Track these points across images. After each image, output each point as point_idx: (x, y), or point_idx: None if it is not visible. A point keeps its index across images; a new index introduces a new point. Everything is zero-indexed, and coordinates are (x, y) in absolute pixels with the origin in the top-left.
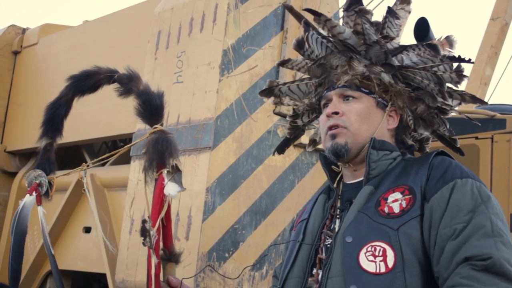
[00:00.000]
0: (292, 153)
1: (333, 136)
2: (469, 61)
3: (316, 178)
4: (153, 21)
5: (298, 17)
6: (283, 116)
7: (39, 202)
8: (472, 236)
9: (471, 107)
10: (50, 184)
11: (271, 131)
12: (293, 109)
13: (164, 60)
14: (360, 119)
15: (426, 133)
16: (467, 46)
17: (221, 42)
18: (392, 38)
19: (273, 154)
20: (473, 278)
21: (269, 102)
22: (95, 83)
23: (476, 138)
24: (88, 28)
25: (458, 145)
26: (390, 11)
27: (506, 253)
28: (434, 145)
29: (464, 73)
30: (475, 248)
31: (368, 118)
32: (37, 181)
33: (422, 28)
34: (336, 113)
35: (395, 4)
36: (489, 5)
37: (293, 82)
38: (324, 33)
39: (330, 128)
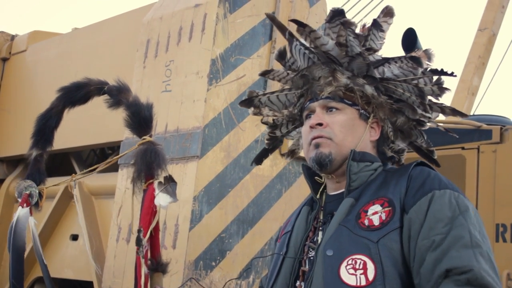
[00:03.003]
0: (279, 162)
1: (317, 145)
2: (451, 74)
3: (303, 187)
4: (142, 30)
5: (281, 28)
6: None
7: (29, 212)
8: (452, 248)
9: (457, 117)
10: (40, 194)
11: (258, 140)
12: (272, 120)
13: (153, 69)
14: (344, 130)
15: (402, 145)
16: (454, 57)
17: (209, 52)
18: (376, 51)
19: (251, 164)
20: None
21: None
22: (85, 94)
23: (463, 148)
24: (77, 35)
25: (435, 157)
26: (375, 24)
27: (485, 265)
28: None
29: (445, 86)
30: (455, 259)
31: (351, 129)
32: (27, 192)
33: (409, 38)
34: (320, 124)
35: (378, 17)
36: (477, 16)
37: (272, 93)
38: (307, 44)
39: (314, 138)
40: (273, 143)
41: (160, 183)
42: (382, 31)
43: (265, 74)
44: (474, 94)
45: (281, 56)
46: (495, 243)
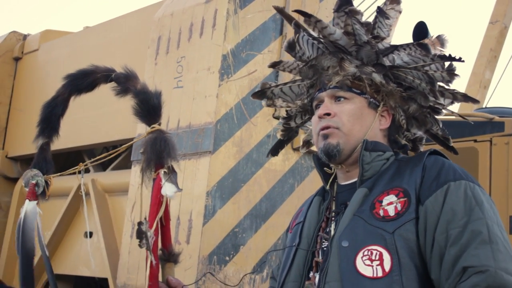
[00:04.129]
0: (291, 156)
1: (325, 136)
2: (459, 59)
3: (316, 181)
4: (153, 27)
5: (289, 18)
6: None
7: (37, 206)
8: (470, 244)
9: (470, 109)
10: (47, 183)
11: (270, 135)
12: (286, 111)
13: (164, 65)
14: (352, 119)
15: (419, 133)
16: (466, 50)
17: (220, 47)
18: (383, 38)
19: (267, 156)
20: None
21: (268, 106)
22: (92, 82)
23: (475, 141)
24: (88, 34)
25: (451, 144)
26: (380, 11)
27: (503, 262)
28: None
29: (455, 72)
30: (473, 257)
31: (360, 118)
32: (34, 181)
33: (421, 32)
34: (328, 114)
35: (385, 4)
36: (488, 8)
37: (285, 84)
38: (315, 34)
39: (322, 129)
40: (288, 134)
41: (165, 173)
42: (388, 18)
43: (275, 65)
44: (486, 87)
45: (290, 47)
46: (508, 235)
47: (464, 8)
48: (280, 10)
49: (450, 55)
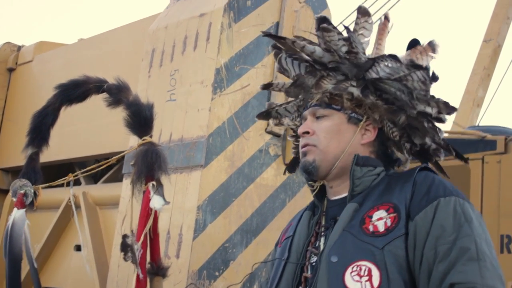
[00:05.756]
0: (283, 172)
1: (304, 154)
2: (425, 68)
3: (307, 197)
4: (147, 40)
5: (279, 40)
6: (275, 135)
7: (25, 215)
8: (458, 261)
9: (463, 128)
10: (35, 194)
11: (262, 150)
12: (292, 128)
13: (158, 78)
14: (328, 136)
15: (429, 142)
16: (460, 68)
17: (214, 61)
18: (355, 53)
19: (284, 173)
20: None
21: (260, 121)
22: (84, 92)
23: (467, 159)
24: (83, 46)
25: (459, 152)
26: (347, 29)
27: (490, 279)
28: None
29: (435, 76)
30: (460, 274)
31: (337, 134)
32: (22, 191)
33: None
34: (307, 132)
35: (357, 18)
36: (482, 27)
37: (288, 102)
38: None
39: (302, 146)
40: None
41: (153, 185)
42: (362, 33)
43: (267, 87)
44: (480, 106)
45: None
46: (499, 254)
47: (458, 27)
48: (269, 35)
49: (419, 64)
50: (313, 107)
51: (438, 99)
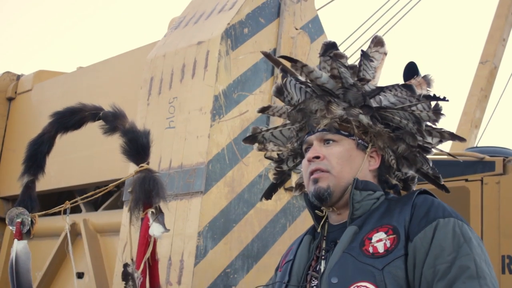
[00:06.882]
0: (283, 196)
1: (316, 181)
2: (444, 99)
3: (308, 221)
4: (145, 68)
5: (277, 63)
6: (274, 160)
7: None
8: (458, 279)
9: (461, 149)
10: (32, 222)
11: (262, 175)
12: (278, 154)
13: (157, 106)
14: (341, 162)
15: (411, 172)
16: (457, 89)
17: (212, 88)
18: (368, 81)
19: (260, 199)
20: None
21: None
22: (80, 120)
23: (466, 180)
24: (81, 74)
25: (442, 182)
26: (364, 54)
27: None
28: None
29: (441, 111)
30: None
31: (349, 160)
32: (19, 220)
33: (411, 72)
34: (317, 157)
35: (369, 47)
36: (478, 49)
37: (275, 128)
38: (303, 78)
39: (312, 172)
40: (281, 177)
41: (152, 213)
42: (372, 60)
43: (264, 110)
44: (477, 127)
45: (279, 91)
46: (501, 274)
47: (455, 49)
48: (268, 55)
49: (434, 95)
50: (320, 132)
51: (442, 129)
